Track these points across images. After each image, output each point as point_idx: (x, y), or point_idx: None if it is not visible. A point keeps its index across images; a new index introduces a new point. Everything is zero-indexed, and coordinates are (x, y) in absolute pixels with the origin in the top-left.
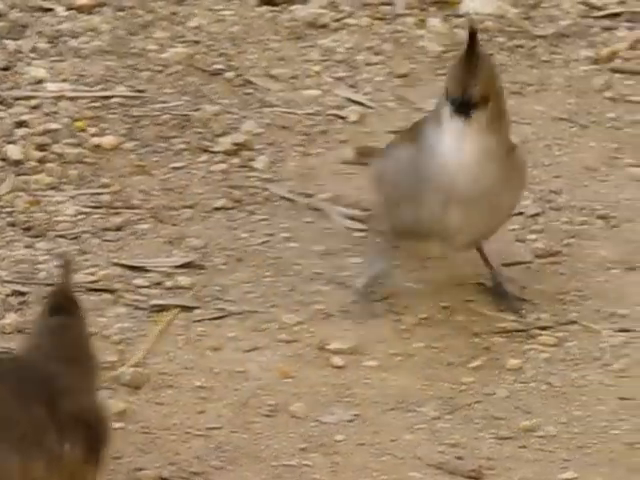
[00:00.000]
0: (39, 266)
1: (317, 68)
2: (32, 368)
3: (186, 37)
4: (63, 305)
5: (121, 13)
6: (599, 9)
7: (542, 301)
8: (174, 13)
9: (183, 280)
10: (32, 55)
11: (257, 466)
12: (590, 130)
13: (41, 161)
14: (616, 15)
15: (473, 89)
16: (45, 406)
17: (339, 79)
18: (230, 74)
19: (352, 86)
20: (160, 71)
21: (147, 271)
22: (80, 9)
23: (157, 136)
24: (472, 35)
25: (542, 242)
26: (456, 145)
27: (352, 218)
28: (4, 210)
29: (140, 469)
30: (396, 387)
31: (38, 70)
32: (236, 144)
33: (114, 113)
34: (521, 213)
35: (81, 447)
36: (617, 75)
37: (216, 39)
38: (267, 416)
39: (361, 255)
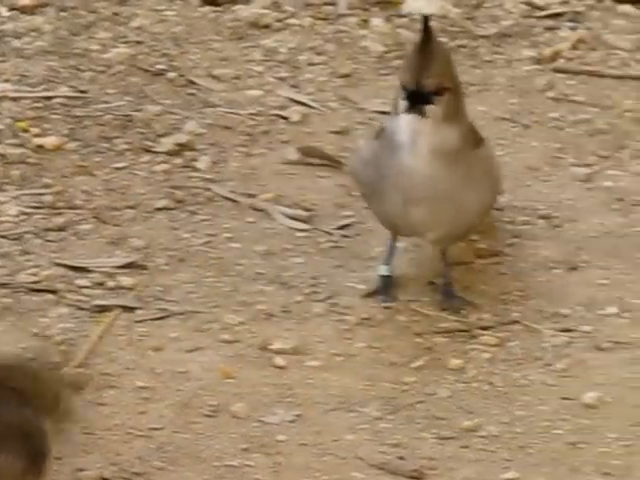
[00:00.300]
0: None
1: (260, 68)
2: None
3: (129, 37)
4: None
5: (64, 13)
6: (542, 9)
7: (484, 301)
8: (117, 13)
9: (125, 280)
10: None
11: (199, 466)
12: (532, 130)
13: None
14: (559, 15)
15: (426, 80)
16: None
17: (282, 79)
18: (172, 74)
19: (294, 86)
20: (103, 71)
21: (89, 271)
22: (23, 9)
23: (99, 136)
24: (426, 25)
25: (484, 242)
26: (411, 140)
27: (294, 218)
28: None
29: (82, 470)
30: (338, 387)
31: None
32: (178, 144)
33: (56, 113)
34: None
35: (20, 458)
36: (559, 75)
37: (159, 39)
38: (209, 416)
39: (302, 255)
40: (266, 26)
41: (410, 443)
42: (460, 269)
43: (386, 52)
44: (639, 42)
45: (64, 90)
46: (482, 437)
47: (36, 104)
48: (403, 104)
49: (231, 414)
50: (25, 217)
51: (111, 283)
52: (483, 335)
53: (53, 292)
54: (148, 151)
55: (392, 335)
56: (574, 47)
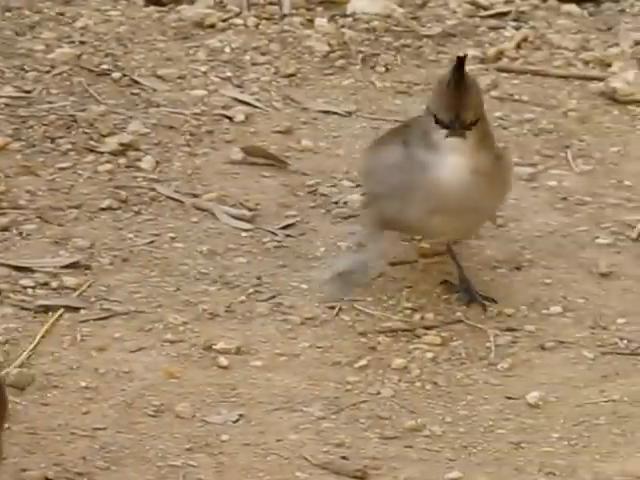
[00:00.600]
0: None
1: (204, 68)
2: None
3: (73, 37)
4: None
5: (8, 14)
6: (486, 9)
7: (428, 300)
8: (61, 14)
9: (69, 280)
10: None
11: (142, 466)
12: None
13: None
14: (503, 14)
15: (466, 114)
16: None
17: (226, 79)
18: (117, 74)
19: (239, 86)
20: (47, 71)
21: (33, 271)
22: None
23: (43, 136)
24: (460, 60)
25: (428, 241)
26: (450, 164)
27: (238, 218)
28: None
29: (25, 470)
30: (282, 387)
31: None
32: (122, 144)
33: (1, 113)
34: None
35: None
36: (504, 74)
37: (103, 39)
38: (152, 416)
39: (246, 255)
40: (210, 26)
41: (354, 443)
42: (404, 268)
43: (330, 52)
44: (583, 42)
45: (8, 90)
46: (426, 437)
47: None
48: (441, 133)
49: (175, 414)
50: None
51: (55, 283)
52: (427, 334)
53: None
54: (92, 151)
55: (336, 335)
56: (518, 46)
